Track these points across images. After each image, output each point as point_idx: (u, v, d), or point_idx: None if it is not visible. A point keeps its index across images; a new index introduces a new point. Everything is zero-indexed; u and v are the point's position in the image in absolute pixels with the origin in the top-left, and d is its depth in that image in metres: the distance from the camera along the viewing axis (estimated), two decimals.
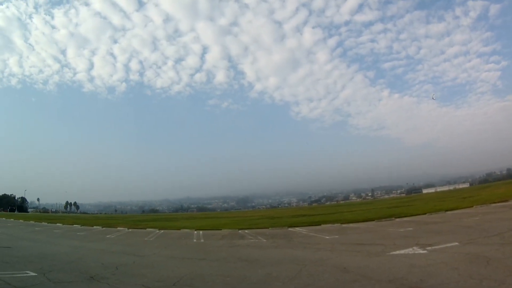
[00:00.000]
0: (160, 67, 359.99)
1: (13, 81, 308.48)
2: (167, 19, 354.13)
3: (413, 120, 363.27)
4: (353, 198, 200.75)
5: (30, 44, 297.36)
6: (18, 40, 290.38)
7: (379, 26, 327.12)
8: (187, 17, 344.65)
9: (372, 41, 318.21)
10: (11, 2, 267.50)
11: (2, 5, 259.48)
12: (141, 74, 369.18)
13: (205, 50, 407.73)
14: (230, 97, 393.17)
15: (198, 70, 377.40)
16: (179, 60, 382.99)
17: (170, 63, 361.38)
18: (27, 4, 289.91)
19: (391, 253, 11.74)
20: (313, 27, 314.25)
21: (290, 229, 25.07)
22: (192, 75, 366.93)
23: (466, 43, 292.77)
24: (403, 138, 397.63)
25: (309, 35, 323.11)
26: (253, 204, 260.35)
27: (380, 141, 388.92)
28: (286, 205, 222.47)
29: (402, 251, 11.77)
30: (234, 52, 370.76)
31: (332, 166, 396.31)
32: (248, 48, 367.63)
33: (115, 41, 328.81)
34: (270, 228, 26.55)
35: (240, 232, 25.58)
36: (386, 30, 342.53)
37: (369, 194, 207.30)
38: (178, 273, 10.89)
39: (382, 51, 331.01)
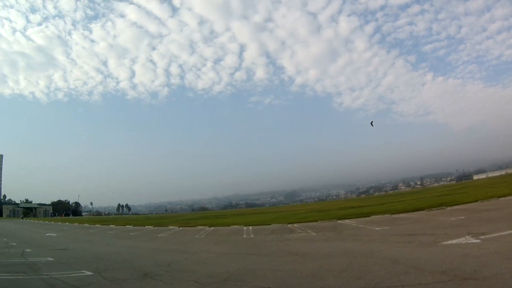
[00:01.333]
0: (199, 69, 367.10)
1: (60, 95, 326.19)
2: (202, 21, 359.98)
3: (459, 103, 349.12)
4: (402, 187, 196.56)
5: (72, 59, 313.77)
6: (60, 57, 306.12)
7: (415, 8, 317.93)
8: (221, 17, 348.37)
9: (410, 24, 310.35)
10: (49, 21, 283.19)
11: (41, 25, 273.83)
12: (182, 78, 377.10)
13: (242, 48, 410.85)
14: (271, 93, 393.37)
15: (238, 68, 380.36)
16: (217, 61, 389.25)
17: (209, 64, 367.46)
18: (65, 22, 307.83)
19: (443, 243, 11.47)
20: (348, 15, 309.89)
21: (339, 221, 24.95)
22: (232, 74, 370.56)
23: (508, 17, 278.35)
24: (450, 122, 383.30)
25: (345, 24, 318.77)
26: (301, 197, 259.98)
27: (427, 127, 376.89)
28: (334, 197, 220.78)
29: (454, 241, 11.48)
30: (271, 47, 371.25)
31: (379, 156, 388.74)
32: (285, 43, 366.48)
33: (154, 48, 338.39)
34: (319, 221, 26.52)
35: (289, 226, 25.69)
36: (424, 11, 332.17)
37: (418, 183, 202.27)
38: (229, 269, 11.02)
39: (422, 34, 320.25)
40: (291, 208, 72.90)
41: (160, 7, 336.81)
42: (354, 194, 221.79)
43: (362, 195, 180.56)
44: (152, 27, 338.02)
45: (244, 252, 15.14)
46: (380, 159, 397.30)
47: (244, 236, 22.41)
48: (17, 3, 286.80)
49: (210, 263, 12.86)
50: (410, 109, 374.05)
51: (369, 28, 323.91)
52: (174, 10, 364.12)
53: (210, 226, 32.86)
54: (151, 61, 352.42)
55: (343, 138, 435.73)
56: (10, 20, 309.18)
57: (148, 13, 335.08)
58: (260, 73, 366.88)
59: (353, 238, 15.95)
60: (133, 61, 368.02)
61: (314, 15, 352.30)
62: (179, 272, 11.37)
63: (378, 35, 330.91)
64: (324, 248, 14.09)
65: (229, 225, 31.67)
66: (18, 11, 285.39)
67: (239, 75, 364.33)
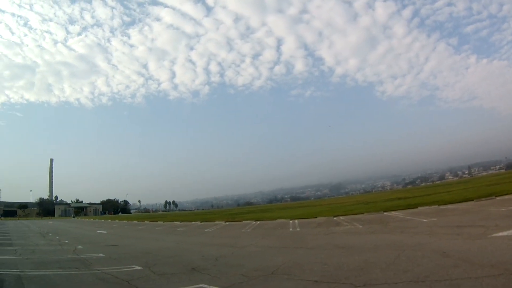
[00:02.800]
0: (238, 65, 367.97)
1: (104, 100, 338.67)
2: (237, 18, 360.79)
3: (506, 86, 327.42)
4: (449, 177, 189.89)
5: (113, 65, 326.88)
6: (102, 63, 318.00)
7: None
8: (256, 13, 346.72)
9: (449, 4, 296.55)
10: (88, 31, 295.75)
11: (81, 35, 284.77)
12: (222, 75, 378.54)
13: (279, 42, 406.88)
14: (312, 85, 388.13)
15: (276, 62, 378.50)
16: (256, 56, 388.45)
17: (248, 60, 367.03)
18: (103, 30, 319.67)
19: (494, 235, 11.14)
20: (384, 1, 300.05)
21: (385, 213, 24.66)
22: (271, 68, 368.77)
23: None
24: (497, 107, 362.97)
25: (381, 10, 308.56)
26: (346, 190, 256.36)
27: (473, 113, 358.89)
28: (380, 189, 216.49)
29: (505, 233, 11.11)
30: (309, 39, 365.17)
31: (424, 145, 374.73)
32: (322, 33, 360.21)
33: (192, 48, 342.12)
34: (365, 214, 26.28)
35: (335, 219, 25.60)
36: None
37: (466, 172, 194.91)
38: (276, 262, 11.15)
39: (462, 14, 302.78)
40: (337, 201, 72.23)
41: (195, 7, 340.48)
42: (400, 185, 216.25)
43: (408, 186, 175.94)
44: (188, 28, 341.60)
45: (291, 246, 15.21)
46: (425, 149, 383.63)
47: (290, 229, 22.53)
48: (55, 16, 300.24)
49: (257, 257, 13.07)
50: (454, 95, 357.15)
51: (407, 12, 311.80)
52: (209, 10, 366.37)
53: (256, 220, 33.08)
54: (190, 60, 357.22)
55: (387, 128, 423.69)
56: (50, 33, 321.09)
57: (183, 15, 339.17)
58: (299, 66, 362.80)
59: (400, 230, 15.80)
60: (173, 62, 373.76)
61: (349, 3, 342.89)
62: (226, 266, 11.59)
63: (416, 19, 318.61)
64: (371, 240, 13.97)
65: (275, 219, 31.78)
66: (57, 23, 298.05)
67: (278, 69, 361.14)
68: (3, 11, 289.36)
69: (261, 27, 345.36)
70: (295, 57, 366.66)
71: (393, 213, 24.10)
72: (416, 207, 25.04)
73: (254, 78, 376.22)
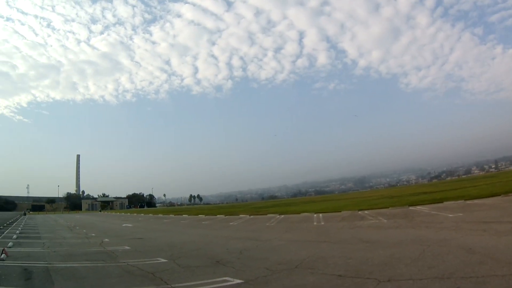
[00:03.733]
0: (261, 59, 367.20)
1: (128, 96, 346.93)
2: (258, 12, 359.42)
3: None
4: (475, 171, 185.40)
5: (136, 62, 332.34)
6: (125, 61, 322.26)
7: None
8: (277, 6, 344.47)
9: None
10: (110, 29, 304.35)
11: (103, 33, 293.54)
12: (244, 69, 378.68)
13: (301, 35, 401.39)
14: (335, 78, 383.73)
15: (299, 56, 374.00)
16: (278, 50, 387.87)
17: (270, 53, 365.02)
18: (125, 28, 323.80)
19: None
20: None
21: (410, 208, 24.33)
22: (293, 61, 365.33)
23: None
24: None
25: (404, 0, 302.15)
26: (371, 184, 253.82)
27: (500, 105, 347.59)
28: (404, 183, 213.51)
29: None
30: (331, 31, 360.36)
31: (450, 138, 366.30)
32: (344, 25, 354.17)
33: (213, 43, 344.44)
34: (390, 208, 26.01)
35: (359, 213, 25.42)
36: None
37: (493, 166, 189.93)
38: (300, 256, 11.23)
39: (486, 3, 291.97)
40: (361, 195, 71.62)
41: (215, 2, 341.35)
42: (425, 179, 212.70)
43: (434, 180, 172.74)
44: (210, 23, 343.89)
45: (315, 240, 15.23)
46: (451, 142, 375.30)
47: (315, 223, 22.54)
48: (77, 16, 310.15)
49: (281, 251, 13.11)
50: (480, 86, 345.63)
51: (430, 1, 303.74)
52: (229, 4, 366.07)
53: (280, 214, 33.07)
54: (212, 56, 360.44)
55: (412, 121, 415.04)
56: (73, 33, 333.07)
57: (204, 10, 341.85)
58: (322, 59, 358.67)
59: (426, 225, 15.65)
60: (195, 57, 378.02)
61: None
62: (251, 259, 11.69)
63: (440, 8, 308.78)
64: (396, 235, 13.92)
65: (299, 213, 31.76)
66: (80, 23, 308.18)
67: (301, 62, 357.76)
68: (26, 14, 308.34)
69: (282, 20, 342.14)
70: (318, 50, 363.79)
71: (418, 207, 23.78)
72: (442, 202, 24.68)
73: (276, 72, 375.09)
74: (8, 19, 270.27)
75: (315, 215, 28.08)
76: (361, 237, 14.26)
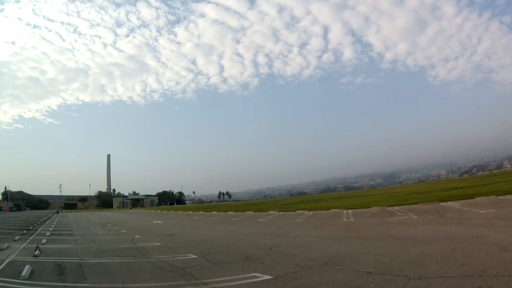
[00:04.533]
0: (286, 56, 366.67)
1: (156, 96, 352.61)
2: (281, 9, 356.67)
3: None
4: (508, 166, 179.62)
5: (162, 62, 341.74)
6: (151, 62, 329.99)
7: None
8: (300, 2, 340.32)
9: None
10: (136, 32, 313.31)
11: (129, 36, 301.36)
12: (270, 66, 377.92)
13: (326, 30, 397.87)
14: (362, 72, 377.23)
15: (324, 51, 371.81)
16: (303, 45, 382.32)
17: (295, 50, 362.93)
18: (150, 30, 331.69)
19: None
20: None
21: (441, 203, 23.97)
22: (319, 57, 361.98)
23: None
24: None
25: None
26: (400, 179, 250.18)
27: None
28: (434, 178, 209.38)
29: None
30: (355, 25, 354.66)
31: (481, 131, 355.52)
32: (369, 18, 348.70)
33: (238, 41, 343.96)
34: (420, 204, 25.70)
35: (389, 209, 25.21)
36: None
37: None
38: (329, 252, 11.24)
39: None
40: (391, 190, 70.77)
41: (238, 1, 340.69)
42: (455, 174, 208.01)
43: (465, 175, 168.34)
44: (233, 22, 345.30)
45: (344, 236, 15.19)
46: (482, 135, 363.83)
47: (344, 219, 22.48)
48: (103, 20, 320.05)
49: (310, 247, 13.13)
50: (511, 77, 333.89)
51: None
52: (252, 2, 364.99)
53: (309, 210, 33.01)
54: (238, 54, 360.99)
55: (441, 114, 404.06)
56: (99, 37, 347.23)
57: (227, 9, 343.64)
58: (347, 53, 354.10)
59: (457, 221, 15.42)
60: (220, 56, 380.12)
61: None
62: (280, 255, 11.71)
63: None
64: (426, 232, 13.75)
65: (328, 209, 31.70)
66: (105, 27, 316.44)
67: (327, 57, 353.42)
68: (53, 21, 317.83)
69: (306, 16, 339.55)
70: (343, 44, 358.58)
71: (449, 203, 23.43)
72: (473, 198, 24.19)
73: (302, 68, 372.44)
74: (35, 27, 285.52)
75: (344, 211, 28.04)
76: (391, 234, 14.19)
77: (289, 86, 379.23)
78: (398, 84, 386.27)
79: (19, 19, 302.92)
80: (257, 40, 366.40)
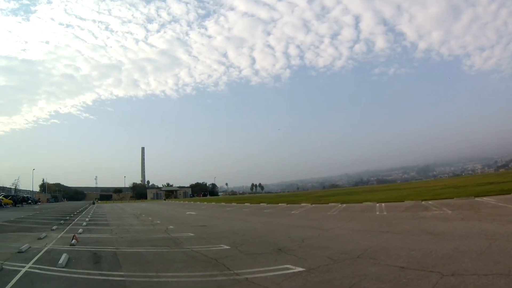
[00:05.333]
0: (317, 47, 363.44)
1: (188, 90, 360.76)
2: None
3: None
4: None
5: (194, 56, 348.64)
6: (183, 56, 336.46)
7: None
8: None
9: None
10: (166, 27, 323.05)
11: (160, 31, 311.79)
12: (301, 58, 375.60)
13: (357, 19, 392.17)
14: (395, 62, 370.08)
15: (356, 41, 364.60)
16: (334, 36, 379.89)
17: (326, 40, 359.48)
18: (180, 25, 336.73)
19: None
20: None
21: (476, 199, 23.48)
22: (351, 47, 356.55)
23: None
24: None
25: None
26: (435, 173, 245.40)
27: None
28: (470, 172, 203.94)
29: None
30: (387, 14, 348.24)
31: None
32: (401, 7, 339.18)
33: (269, 33, 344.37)
34: (455, 198, 25.19)
35: (423, 203, 24.88)
36: None
37: None
38: (362, 246, 11.31)
39: None
40: (424, 184, 69.50)
41: None
42: (491, 168, 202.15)
43: (501, 170, 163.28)
44: (263, 14, 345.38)
45: (377, 230, 15.14)
46: None
47: (377, 213, 22.37)
48: (133, 17, 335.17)
49: (343, 240, 13.16)
50: None
51: None
52: None
53: (342, 203, 32.92)
54: (269, 46, 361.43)
55: (477, 106, 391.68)
56: (131, 33, 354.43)
57: (257, 1, 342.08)
58: (380, 43, 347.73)
59: (492, 218, 15.13)
60: (251, 48, 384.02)
61: None
62: (312, 247, 11.86)
63: None
64: (461, 227, 13.58)
65: (361, 202, 31.51)
66: (136, 23, 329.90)
67: (359, 47, 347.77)
68: (84, 19, 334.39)
69: (336, 5, 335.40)
70: (375, 34, 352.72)
71: (485, 198, 22.93)
72: (510, 193, 23.46)
73: (334, 59, 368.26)
74: (68, 26, 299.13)
75: (377, 204, 27.84)
76: (424, 228, 14.07)
77: (321, 77, 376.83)
78: (433, 74, 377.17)
79: (52, 19, 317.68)
80: (287, 32, 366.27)
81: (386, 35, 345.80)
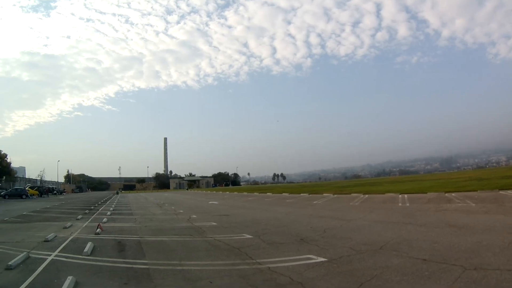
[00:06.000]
0: (339, 35, 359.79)
1: (209, 80, 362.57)
2: None
3: None
4: None
5: (214, 47, 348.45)
6: (203, 46, 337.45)
7: None
8: None
9: None
10: (186, 18, 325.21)
11: (179, 23, 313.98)
12: (323, 46, 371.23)
13: (378, 6, 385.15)
14: (418, 50, 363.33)
15: (378, 29, 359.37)
16: (355, 24, 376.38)
17: (347, 28, 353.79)
18: (200, 16, 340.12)
19: None
20: None
21: (501, 192, 23.25)
22: (372, 35, 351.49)
23: None
24: None
25: None
26: (458, 164, 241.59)
27: None
28: (494, 164, 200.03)
29: None
30: (409, 1, 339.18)
31: None
32: None
33: (289, 22, 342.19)
34: (478, 191, 24.97)
35: (446, 195, 24.72)
36: None
37: None
38: (384, 237, 11.32)
39: None
40: (448, 176, 68.50)
41: None
42: None
43: None
44: (283, 2, 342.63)
45: (400, 221, 15.08)
46: None
47: (399, 204, 22.32)
48: (153, 9, 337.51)
49: (365, 231, 13.17)
50: None
51: None
52: None
53: (364, 193, 32.92)
54: (289, 35, 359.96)
55: (502, 96, 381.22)
56: (151, 25, 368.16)
57: None
58: (402, 31, 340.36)
59: None
60: (272, 38, 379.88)
61: None
62: (334, 238, 11.91)
63: None
64: (485, 221, 13.46)
65: (383, 193, 31.47)
66: (156, 16, 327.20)
67: (381, 35, 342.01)
68: (104, 13, 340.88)
69: None
70: (397, 21, 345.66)
71: (509, 192, 22.66)
72: None
73: (356, 47, 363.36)
74: (88, 20, 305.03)
75: (400, 195, 27.76)
76: (447, 221, 14.01)
77: (343, 66, 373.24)
78: (456, 62, 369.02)
79: (72, 14, 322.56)
80: (308, 20, 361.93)
81: (408, 22, 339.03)
